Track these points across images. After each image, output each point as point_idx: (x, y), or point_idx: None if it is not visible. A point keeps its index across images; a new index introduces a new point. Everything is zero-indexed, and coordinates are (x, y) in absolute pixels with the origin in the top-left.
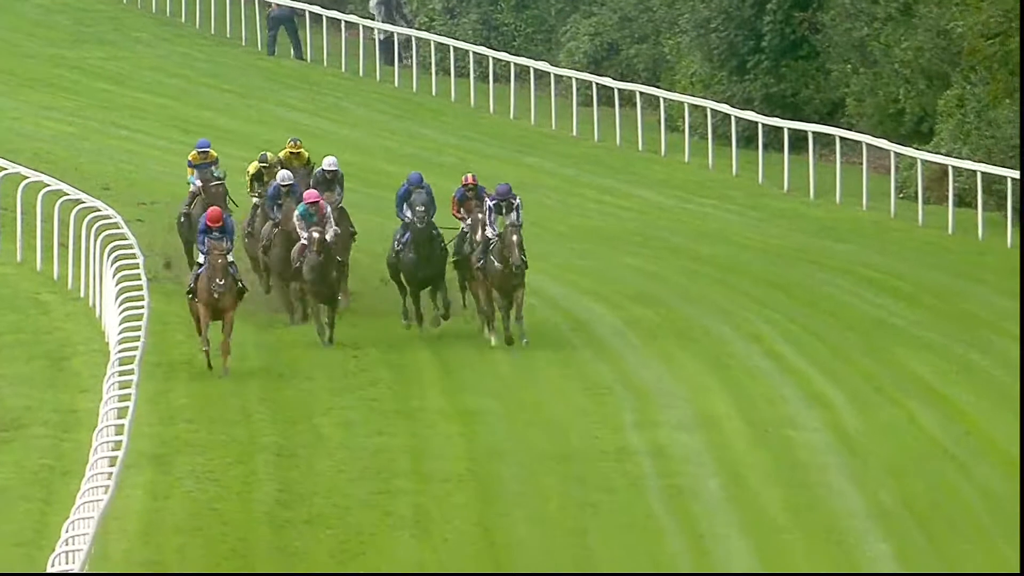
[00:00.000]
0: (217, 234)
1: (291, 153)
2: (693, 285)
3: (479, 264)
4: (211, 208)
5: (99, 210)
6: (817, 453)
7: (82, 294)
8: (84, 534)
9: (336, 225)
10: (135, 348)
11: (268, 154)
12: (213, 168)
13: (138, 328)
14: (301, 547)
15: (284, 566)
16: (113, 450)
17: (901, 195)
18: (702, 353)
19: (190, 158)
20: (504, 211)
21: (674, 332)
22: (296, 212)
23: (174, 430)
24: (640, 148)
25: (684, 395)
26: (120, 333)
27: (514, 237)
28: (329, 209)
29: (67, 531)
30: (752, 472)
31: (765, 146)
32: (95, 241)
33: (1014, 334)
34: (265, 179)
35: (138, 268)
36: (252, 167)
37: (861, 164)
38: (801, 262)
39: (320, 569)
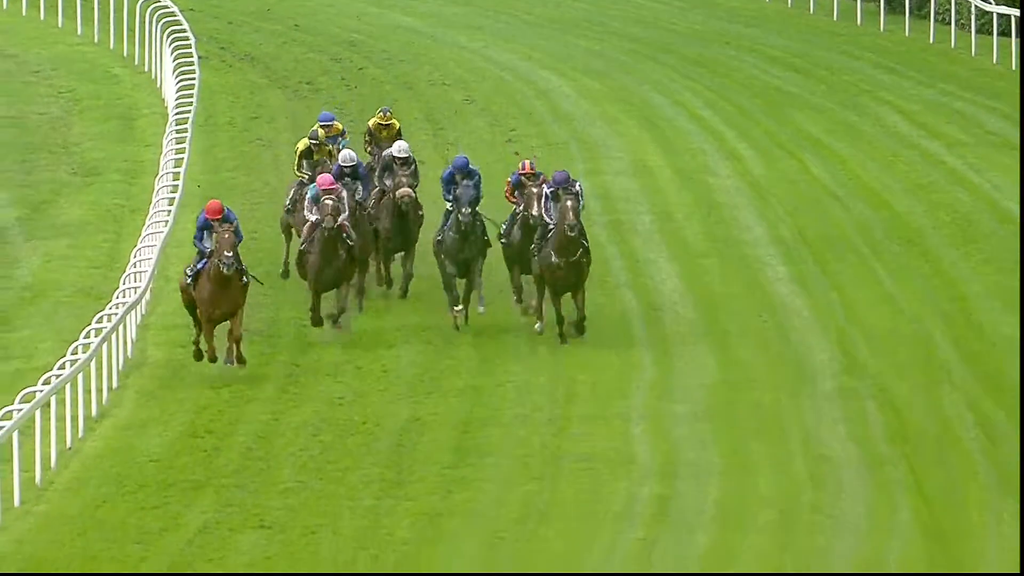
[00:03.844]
0: (218, 226)
1: (380, 124)
2: (631, 61)
3: (534, 252)
4: (211, 201)
5: (159, 0)
6: (730, 195)
7: (146, 68)
8: (148, 259)
9: (412, 215)
10: (188, 111)
11: (319, 131)
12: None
13: (190, 96)
14: None
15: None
16: (171, 192)
17: None
18: (638, 115)
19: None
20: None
21: (616, 98)
22: (308, 195)
23: (220, 177)
24: None
25: (624, 148)
26: (176, 99)
27: (569, 202)
28: (346, 194)
29: (135, 256)
30: (678, 210)
31: None
32: (157, 26)
33: (886, 100)
34: (315, 156)
35: (191, 48)
36: (301, 144)
37: None
38: (717, 43)
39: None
